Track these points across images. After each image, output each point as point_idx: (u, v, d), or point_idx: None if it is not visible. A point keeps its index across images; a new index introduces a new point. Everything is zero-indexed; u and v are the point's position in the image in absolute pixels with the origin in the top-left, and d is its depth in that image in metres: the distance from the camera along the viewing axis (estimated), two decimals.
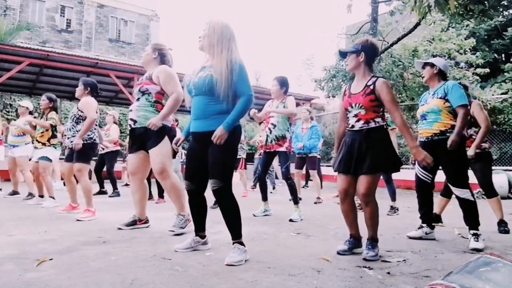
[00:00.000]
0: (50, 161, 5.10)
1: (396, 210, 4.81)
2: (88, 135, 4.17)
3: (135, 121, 3.31)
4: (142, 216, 3.47)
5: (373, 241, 2.54)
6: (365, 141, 2.53)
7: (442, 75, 3.23)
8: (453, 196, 3.91)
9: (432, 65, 3.22)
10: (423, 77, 3.33)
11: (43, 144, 5.10)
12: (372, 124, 2.55)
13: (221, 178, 2.33)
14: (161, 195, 5.82)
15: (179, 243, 2.65)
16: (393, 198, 4.86)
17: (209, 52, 2.45)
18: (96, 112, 4.23)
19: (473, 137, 3.72)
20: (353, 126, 2.61)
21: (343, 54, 2.74)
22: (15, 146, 5.81)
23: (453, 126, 3.03)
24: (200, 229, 2.64)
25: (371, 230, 2.57)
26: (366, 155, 2.51)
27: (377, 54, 2.77)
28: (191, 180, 2.53)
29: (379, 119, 2.57)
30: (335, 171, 2.73)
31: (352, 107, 2.61)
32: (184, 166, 2.57)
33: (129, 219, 3.44)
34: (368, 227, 2.58)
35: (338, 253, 2.60)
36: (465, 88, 3.84)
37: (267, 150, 4.35)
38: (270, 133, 4.29)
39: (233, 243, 2.36)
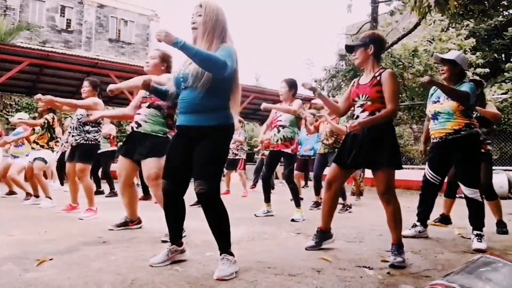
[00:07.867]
0: (46, 163, 5.10)
1: None
2: (94, 136, 4.18)
3: (139, 125, 3.10)
4: (134, 218, 3.44)
5: (399, 246, 2.37)
6: (370, 133, 2.45)
7: (462, 75, 3.12)
8: (455, 196, 3.93)
9: (455, 64, 3.06)
10: (443, 73, 3.11)
11: (42, 146, 5.10)
12: None
13: (207, 180, 2.04)
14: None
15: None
16: None
17: (203, 41, 2.12)
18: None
19: (481, 138, 3.64)
20: (357, 117, 2.56)
21: (350, 49, 2.68)
22: (15, 157, 5.80)
23: (467, 124, 2.96)
24: (177, 238, 2.29)
25: (394, 233, 2.41)
26: (376, 148, 2.42)
27: (384, 47, 2.74)
28: (171, 179, 2.21)
29: None
30: (334, 162, 2.64)
31: (359, 97, 2.58)
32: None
33: (120, 220, 3.40)
34: (392, 229, 2.43)
35: (307, 249, 2.67)
36: (481, 84, 3.75)
37: (272, 149, 4.36)
38: (278, 132, 4.29)
39: (221, 254, 2.09)
